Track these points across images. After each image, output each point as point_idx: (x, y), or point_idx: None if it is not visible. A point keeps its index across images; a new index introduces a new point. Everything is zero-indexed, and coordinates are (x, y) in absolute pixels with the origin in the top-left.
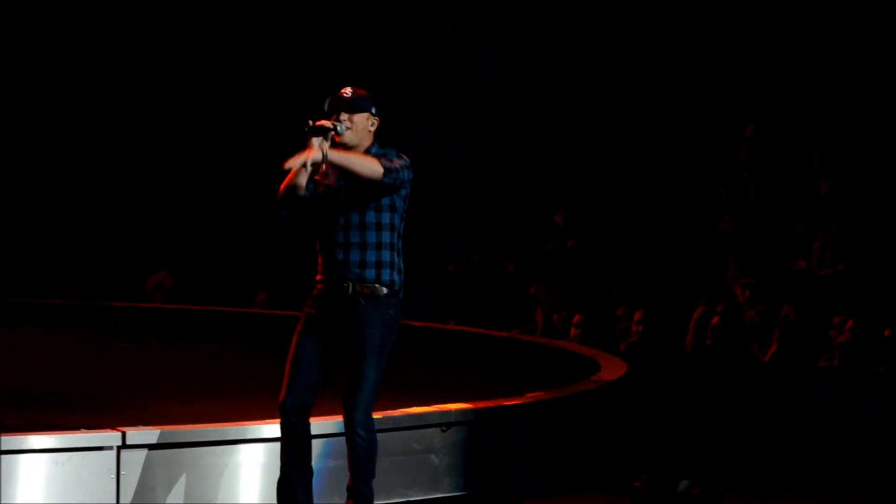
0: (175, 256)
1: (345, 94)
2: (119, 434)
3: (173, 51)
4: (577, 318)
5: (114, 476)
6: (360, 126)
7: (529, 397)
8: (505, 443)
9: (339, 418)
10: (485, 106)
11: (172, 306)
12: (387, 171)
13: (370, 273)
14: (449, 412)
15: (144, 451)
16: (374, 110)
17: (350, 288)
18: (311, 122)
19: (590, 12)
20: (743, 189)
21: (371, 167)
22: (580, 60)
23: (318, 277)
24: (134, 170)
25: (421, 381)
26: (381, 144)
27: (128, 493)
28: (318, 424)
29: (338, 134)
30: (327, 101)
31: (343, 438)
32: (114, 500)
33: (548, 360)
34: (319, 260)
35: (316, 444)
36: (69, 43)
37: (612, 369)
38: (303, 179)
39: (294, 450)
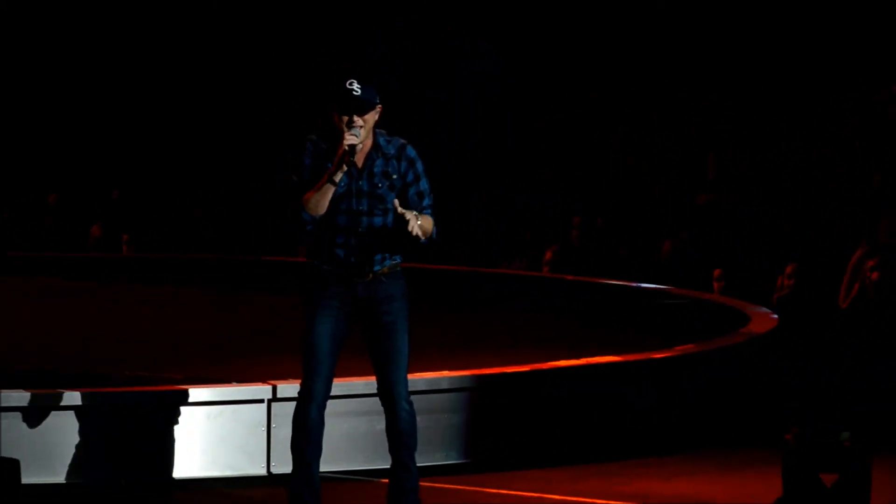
0: None
1: (354, 92)
2: (270, 387)
3: (174, 51)
4: (717, 272)
5: (264, 429)
6: (370, 123)
7: (678, 350)
8: (651, 395)
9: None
10: (485, 106)
11: None
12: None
13: (388, 262)
14: (597, 365)
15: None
16: (377, 99)
17: (370, 275)
18: (347, 156)
19: (589, 13)
20: (894, 145)
21: (432, 230)
22: (580, 60)
23: (328, 269)
24: (134, 169)
25: (571, 335)
26: (389, 132)
27: (279, 446)
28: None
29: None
30: (340, 95)
31: None
32: (265, 453)
33: (696, 313)
34: (325, 254)
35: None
36: (69, 44)
37: (762, 322)
38: (329, 196)
39: (316, 445)
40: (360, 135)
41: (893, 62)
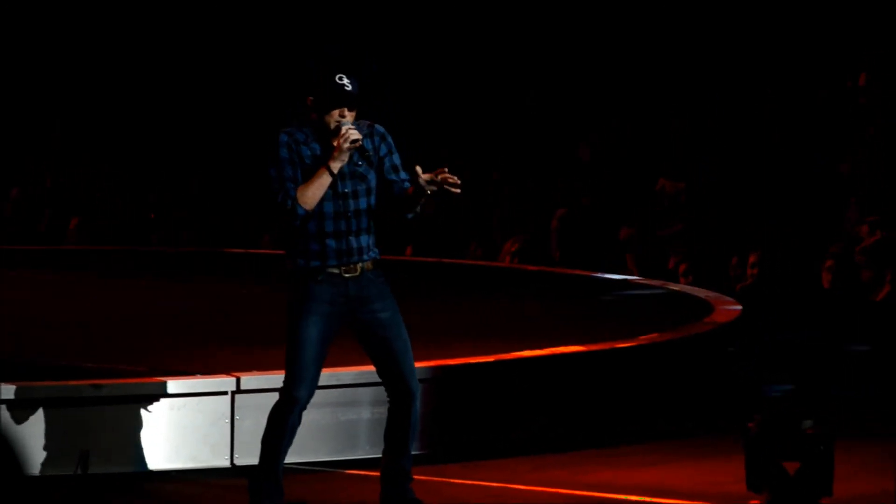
0: None
1: (346, 87)
2: (233, 379)
3: (186, 52)
4: (683, 268)
5: (228, 420)
6: (354, 116)
7: (643, 339)
8: (616, 385)
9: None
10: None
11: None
12: None
13: (374, 253)
14: (560, 355)
15: (259, 396)
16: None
17: (359, 268)
18: (361, 151)
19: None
20: (861, 131)
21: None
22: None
23: (316, 264)
24: (148, 160)
25: (533, 323)
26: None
27: (242, 438)
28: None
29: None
30: (331, 90)
31: None
32: (228, 445)
33: (660, 302)
34: (313, 248)
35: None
36: (72, 41)
37: (726, 311)
38: (326, 188)
39: (289, 445)
40: (351, 127)
41: (863, 50)
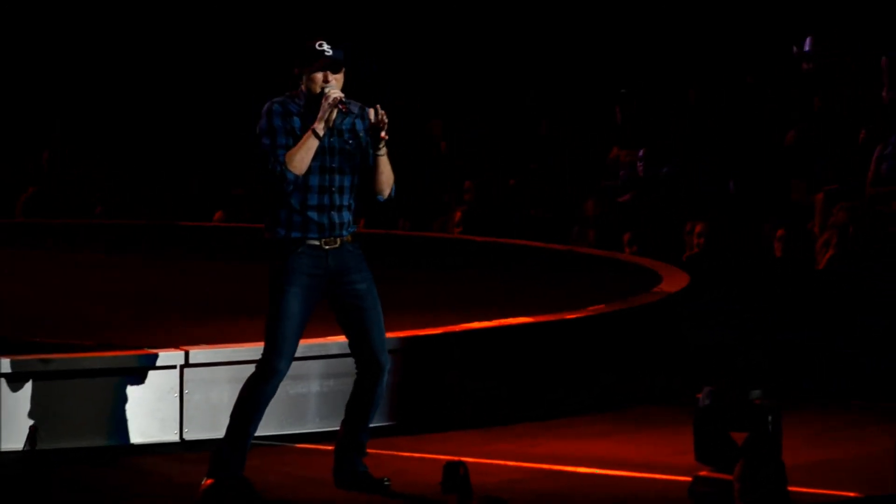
0: None
1: (326, 52)
2: (182, 353)
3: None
4: (627, 236)
5: (177, 395)
6: (341, 82)
7: (591, 310)
8: (565, 356)
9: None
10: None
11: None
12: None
13: (353, 228)
14: (509, 326)
15: (207, 370)
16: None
17: (339, 241)
18: (341, 105)
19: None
20: (808, 101)
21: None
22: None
23: (297, 236)
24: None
25: (481, 295)
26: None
27: (191, 412)
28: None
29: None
30: (312, 55)
31: None
32: (177, 419)
33: (608, 273)
34: (295, 219)
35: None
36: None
37: (673, 281)
38: (314, 151)
39: (260, 418)
40: (336, 93)
41: (804, 19)
